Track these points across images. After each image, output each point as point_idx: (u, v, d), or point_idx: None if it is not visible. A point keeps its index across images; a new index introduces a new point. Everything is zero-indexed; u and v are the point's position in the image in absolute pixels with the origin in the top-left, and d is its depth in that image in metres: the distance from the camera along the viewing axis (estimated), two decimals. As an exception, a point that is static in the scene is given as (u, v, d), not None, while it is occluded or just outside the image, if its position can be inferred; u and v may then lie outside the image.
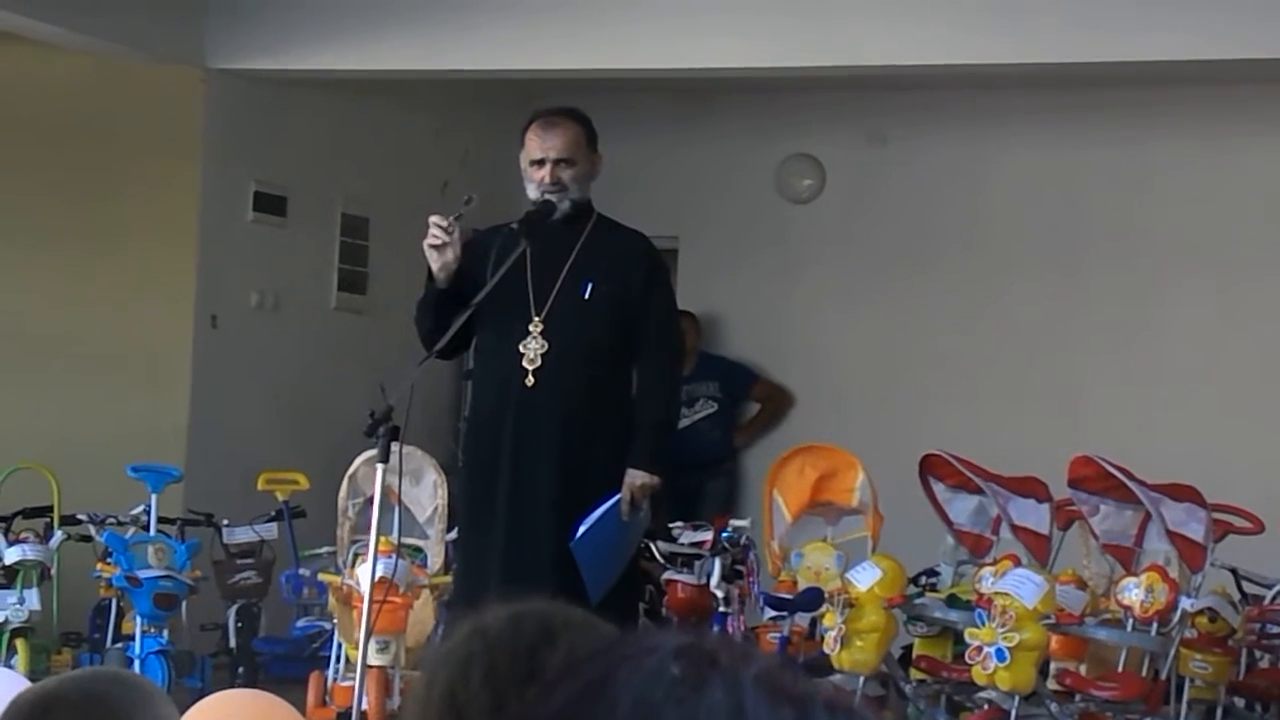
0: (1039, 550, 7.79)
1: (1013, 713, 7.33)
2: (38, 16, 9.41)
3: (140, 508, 9.23)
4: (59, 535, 9.26)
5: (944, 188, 11.40)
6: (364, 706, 7.30)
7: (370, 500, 7.20)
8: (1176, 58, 9.20)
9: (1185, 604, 7.37)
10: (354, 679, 7.22)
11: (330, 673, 8.50)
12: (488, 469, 6.75)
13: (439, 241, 6.63)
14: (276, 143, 10.70)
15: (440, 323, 6.69)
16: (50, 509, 9.52)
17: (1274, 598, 8.43)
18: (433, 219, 6.69)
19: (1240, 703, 8.29)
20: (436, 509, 8.58)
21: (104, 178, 10.52)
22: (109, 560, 8.93)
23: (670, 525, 9.00)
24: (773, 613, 8.37)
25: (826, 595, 7.83)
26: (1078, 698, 7.58)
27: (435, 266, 6.69)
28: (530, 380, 6.66)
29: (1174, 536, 7.49)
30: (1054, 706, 7.50)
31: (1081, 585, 7.80)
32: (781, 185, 11.77)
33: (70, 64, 10.35)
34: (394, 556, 7.74)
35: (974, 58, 9.45)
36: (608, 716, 1.21)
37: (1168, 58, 9.22)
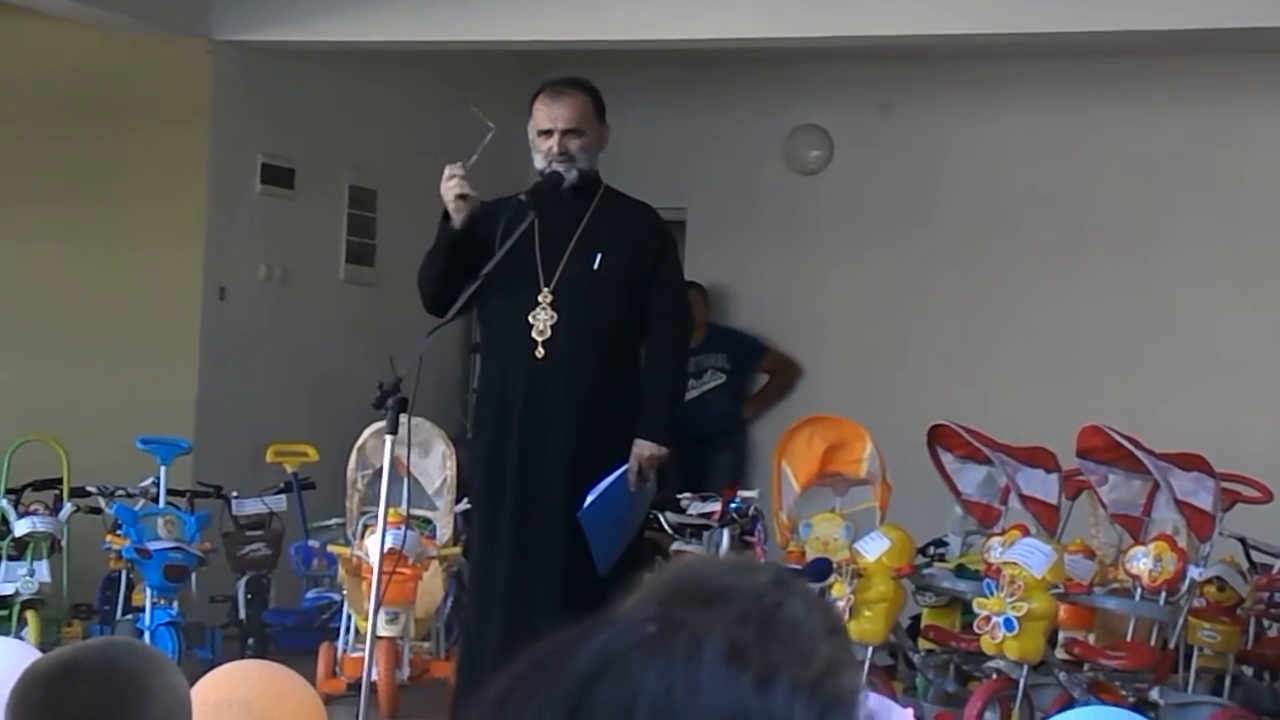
0: (1047, 520, 7.80)
1: (1021, 682, 7.33)
2: (45, -11, 9.41)
3: (149, 480, 9.23)
4: (68, 507, 9.27)
5: (952, 158, 11.38)
6: (374, 677, 7.32)
7: (379, 472, 7.21)
8: (1182, 27, 9.17)
9: (1193, 573, 7.37)
10: (364, 650, 7.24)
11: (340, 644, 8.52)
12: (498, 441, 6.74)
13: (463, 191, 6.58)
14: (284, 115, 10.69)
15: (450, 265, 6.62)
16: (60, 481, 9.53)
17: (1282, 567, 8.44)
18: (448, 169, 6.62)
19: (1249, 671, 8.30)
20: (445, 480, 8.59)
21: (111, 151, 10.51)
22: (119, 532, 8.94)
23: (678, 496, 9.00)
24: (781, 583, 8.37)
25: (835, 565, 7.83)
26: (1086, 667, 7.58)
27: (454, 209, 6.63)
28: (540, 352, 6.64)
29: (1182, 506, 7.48)
30: (1062, 676, 7.51)
31: (1090, 555, 7.80)
32: (790, 156, 11.76)
33: (77, 37, 10.34)
34: (403, 528, 7.76)
35: (981, 27, 9.43)
36: (573, 663, 1.22)
37: (1173, 27, 9.19)
